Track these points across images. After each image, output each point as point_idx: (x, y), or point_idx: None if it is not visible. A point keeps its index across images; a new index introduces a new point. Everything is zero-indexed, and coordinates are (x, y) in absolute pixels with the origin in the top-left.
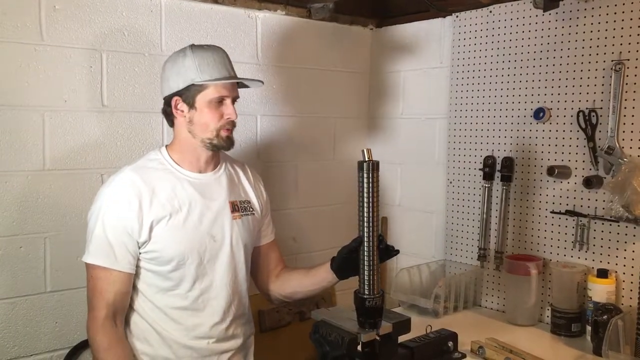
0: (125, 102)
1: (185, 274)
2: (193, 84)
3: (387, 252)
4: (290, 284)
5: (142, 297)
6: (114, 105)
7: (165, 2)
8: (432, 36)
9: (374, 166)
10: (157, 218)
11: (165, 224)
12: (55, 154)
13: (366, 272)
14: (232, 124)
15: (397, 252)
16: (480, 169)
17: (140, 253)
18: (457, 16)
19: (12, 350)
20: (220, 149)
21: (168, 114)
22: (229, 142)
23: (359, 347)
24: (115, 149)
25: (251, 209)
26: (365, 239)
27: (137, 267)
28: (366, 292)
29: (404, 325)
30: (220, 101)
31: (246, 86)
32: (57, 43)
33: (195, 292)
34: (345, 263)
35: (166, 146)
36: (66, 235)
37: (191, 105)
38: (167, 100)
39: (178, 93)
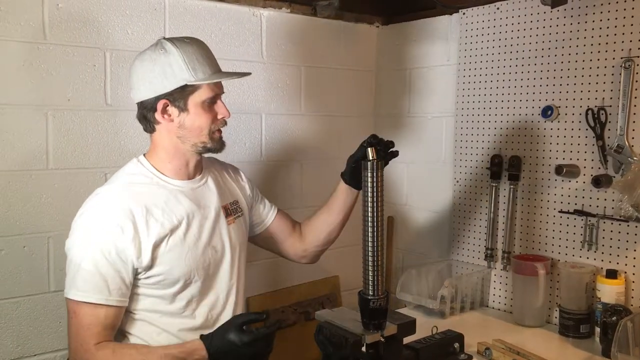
0: (129, 101)
1: (192, 293)
2: (186, 85)
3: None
4: (319, 231)
5: (144, 323)
6: (118, 104)
7: (169, 1)
8: (438, 33)
9: (379, 165)
10: (158, 239)
11: (166, 244)
12: (58, 153)
13: (370, 273)
14: (225, 124)
15: (397, 153)
16: (487, 168)
17: (139, 279)
18: (463, 13)
19: (15, 350)
20: (214, 152)
21: (148, 119)
22: (222, 144)
23: (364, 349)
24: (118, 148)
25: (240, 210)
26: (370, 239)
27: (134, 293)
28: (370, 293)
29: (409, 326)
30: (213, 101)
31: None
32: (60, 41)
33: (203, 309)
34: (356, 172)
35: (145, 155)
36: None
37: (182, 108)
38: (150, 105)
39: (166, 96)
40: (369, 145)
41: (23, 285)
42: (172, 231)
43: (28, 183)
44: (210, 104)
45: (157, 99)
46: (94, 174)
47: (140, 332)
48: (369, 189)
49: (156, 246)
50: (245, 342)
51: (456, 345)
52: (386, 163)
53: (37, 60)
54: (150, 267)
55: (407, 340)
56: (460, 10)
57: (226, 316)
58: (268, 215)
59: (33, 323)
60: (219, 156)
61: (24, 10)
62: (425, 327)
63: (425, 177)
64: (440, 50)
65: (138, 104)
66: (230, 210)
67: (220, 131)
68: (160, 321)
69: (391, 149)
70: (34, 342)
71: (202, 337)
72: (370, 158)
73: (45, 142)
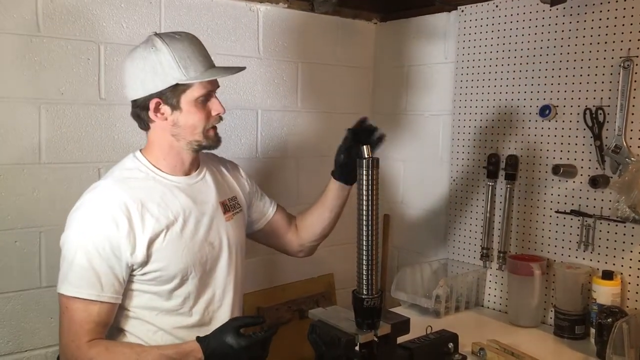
0: (123, 95)
1: (189, 290)
2: (177, 84)
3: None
4: (314, 228)
5: (139, 321)
6: (112, 98)
7: None
8: (436, 31)
9: (374, 163)
10: (153, 234)
11: (162, 240)
12: (51, 147)
13: (365, 272)
14: (220, 120)
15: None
16: (484, 167)
17: (135, 275)
18: (462, 10)
19: (6, 346)
20: (209, 149)
21: (142, 117)
22: (218, 141)
23: (357, 348)
24: (112, 142)
25: (239, 206)
26: (364, 237)
27: (130, 290)
28: (364, 292)
29: (403, 326)
30: (206, 98)
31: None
32: (54, 34)
33: (200, 306)
34: (345, 168)
35: (141, 151)
36: (62, 229)
37: (175, 106)
38: (143, 104)
39: (158, 94)
40: (361, 139)
41: (14, 280)
42: (168, 227)
43: (20, 177)
44: (203, 101)
45: (150, 97)
46: (87, 168)
47: (136, 330)
48: (364, 186)
49: (151, 242)
50: (242, 346)
51: (450, 345)
52: (375, 146)
53: (30, 53)
54: (145, 263)
55: (401, 339)
56: (458, 8)
57: (223, 313)
58: (268, 211)
59: (24, 319)
60: (215, 152)
61: (17, 2)
62: (419, 327)
63: (422, 175)
64: (438, 48)
65: (132, 102)
66: (228, 206)
67: (215, 128)
68: (156, 319)
69: (378, 135)
70: (25, 338)
71: (198, 338)
72: (366, 156)
73: (38, 136)
